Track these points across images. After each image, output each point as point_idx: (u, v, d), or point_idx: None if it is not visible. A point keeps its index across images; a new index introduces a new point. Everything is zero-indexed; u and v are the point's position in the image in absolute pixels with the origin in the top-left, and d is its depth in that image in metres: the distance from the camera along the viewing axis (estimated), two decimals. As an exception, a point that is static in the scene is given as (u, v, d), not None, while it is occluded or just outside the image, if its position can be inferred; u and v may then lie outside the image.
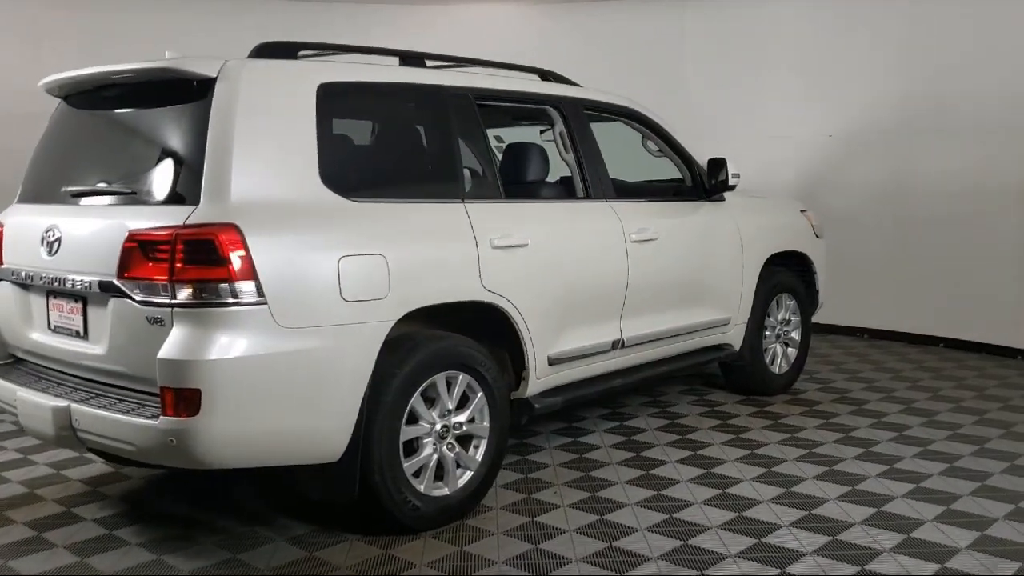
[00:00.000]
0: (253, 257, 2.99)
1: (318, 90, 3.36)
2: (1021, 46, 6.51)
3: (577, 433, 4.75)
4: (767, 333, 5.49)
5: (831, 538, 3.41)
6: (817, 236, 5.79)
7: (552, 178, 4.65)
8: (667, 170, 5.18)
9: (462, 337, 3.67)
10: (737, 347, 5.24)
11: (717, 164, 4.89)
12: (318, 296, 3.14)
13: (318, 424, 3.18)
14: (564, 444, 4.58)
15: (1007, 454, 4.36)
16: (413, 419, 3.48)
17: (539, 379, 3.98)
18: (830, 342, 7.22)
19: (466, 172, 3.87)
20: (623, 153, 5.31)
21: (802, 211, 5.77)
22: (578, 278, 4.11)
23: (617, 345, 4.36)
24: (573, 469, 4.20)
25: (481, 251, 3.65)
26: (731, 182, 4.87)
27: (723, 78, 7.91)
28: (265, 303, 3.00)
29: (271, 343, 3.02)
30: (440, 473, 3.58)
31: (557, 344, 4.04)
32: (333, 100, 3.40)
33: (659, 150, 5.01)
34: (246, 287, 2.98)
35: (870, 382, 5.86)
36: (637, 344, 4.49)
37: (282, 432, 3.12)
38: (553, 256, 3.99)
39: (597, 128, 5.11)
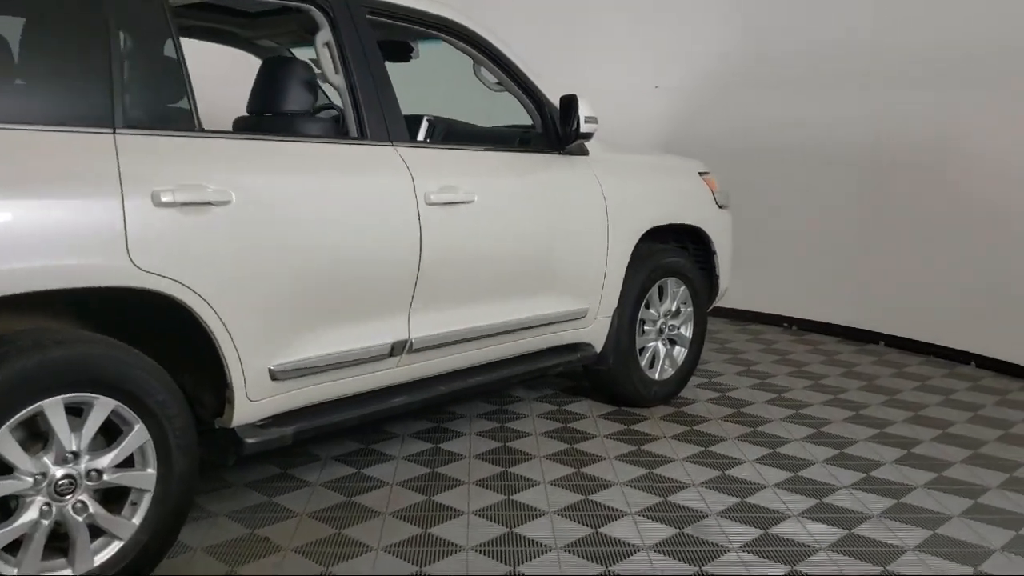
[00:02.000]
0: None
1: None
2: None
3: (362, 462, 3.54)
4: (646, 328, 4.27)
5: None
6: (720, 206, 4.55)
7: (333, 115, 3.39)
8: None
9: (106, 341, 2.41)
10: (599, 347, 4.02)
11: (566, 104, 3.62)
12: None
13: None
14: (336, 481, 3.37)
15: (931, 517, 3.17)
16: (4, 468, 2.25)
17: (255, 401, 2.74)
18: (750, 334, 6.02)
19: (134, 91, 2.57)
20: (475, 90, 4.06)
21: (701, 174, 4.53)
22: (327, 253, 2.85)
23: (401, 349, 3.13)
24: (329, 517, 3.00)
25: (132, 209, 2.37)
26: (583, 128, 3.60)
27: (540, 20, 6.76)
28: None
29: None
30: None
31: (288, 349, 2.79)
32: None
33: (498, 82, 3.74)
34: None
35: (780, 391, 4.67)
36: (435, 347, 3.25)
37: None
38: (280, 220, 2.71)
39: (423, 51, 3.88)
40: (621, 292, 4.02)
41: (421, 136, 4.07)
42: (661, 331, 4.34)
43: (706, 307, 4.59)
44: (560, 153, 3.76)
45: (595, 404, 4.35)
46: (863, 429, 4.09)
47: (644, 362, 4.25)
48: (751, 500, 3.26)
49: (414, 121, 4.12)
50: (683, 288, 4.39)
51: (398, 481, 3.35)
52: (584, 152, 3.87)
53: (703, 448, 3.79)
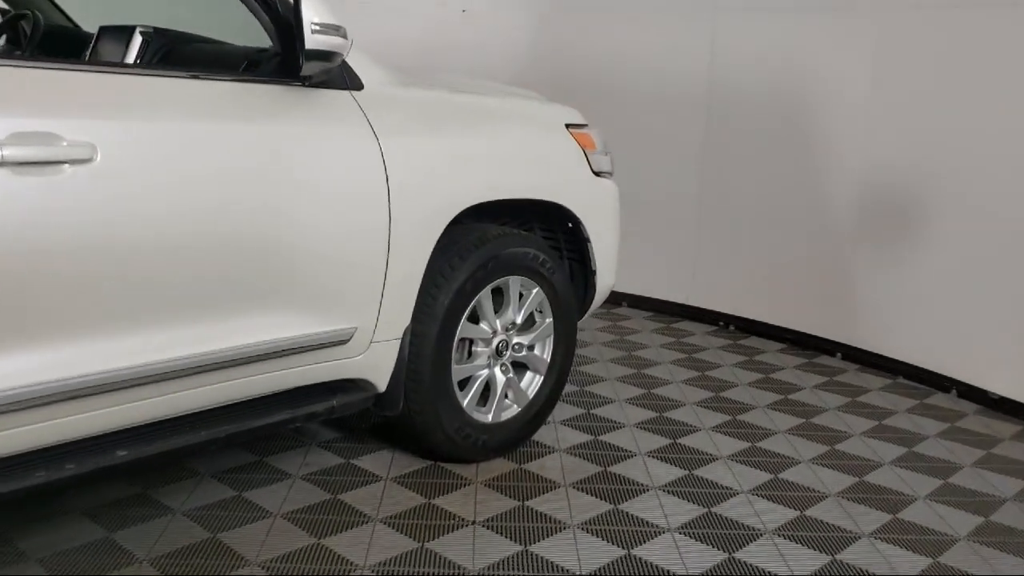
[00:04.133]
0: None
1: None
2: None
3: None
4: (476, 349, 2.95)
5: None
6: (596, 173, 3.19)
7: None
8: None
9: None
10: (381, 384, 2.68)
11: (295, 7, 2.23)
12: None
13: None
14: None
15: None
16: None
17: None
18: (672, 335, 4.67)
19: None
20: None
21: (570, 126, 3.15)
22: None
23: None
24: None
25: None
26: (309, 43, 2.20)
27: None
28: None
29: None
30: None
31: None
32: None
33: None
34: None
35: (678, 434, 3.33)
36: (17, 408, 1.91)
37: None
38: None
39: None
40: (419, 301, 2.68)
41: (131, 58, 2.71)
42: (499, 352, 3.00)
43: (576, 315, 3.25)
44: (303, 85, 2.38)
45: (402, 457, 3.02)
46: (778, 511, 2.76)
47: (469, 399, 2.93)
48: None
49: (116, 33, 2.76)
50: (537, 291, 3.04)
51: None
52: (353, 85, 2.49)
53: (522, 547, 2.47)
